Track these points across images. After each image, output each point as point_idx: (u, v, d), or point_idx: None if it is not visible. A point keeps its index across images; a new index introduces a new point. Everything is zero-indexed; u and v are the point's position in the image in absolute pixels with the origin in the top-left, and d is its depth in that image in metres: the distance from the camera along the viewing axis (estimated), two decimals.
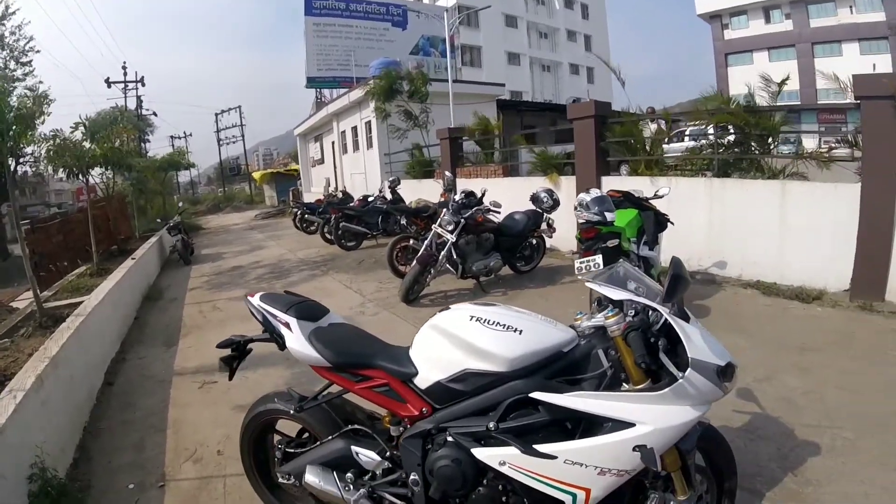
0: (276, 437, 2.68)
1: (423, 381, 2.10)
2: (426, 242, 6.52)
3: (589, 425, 1.90)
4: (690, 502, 1.99)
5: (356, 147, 19.76)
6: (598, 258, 4.45)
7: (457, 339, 2.05)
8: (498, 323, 2.02)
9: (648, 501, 2.02)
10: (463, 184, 9.89)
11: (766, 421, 3.29)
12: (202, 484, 3.22)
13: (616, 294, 1.96)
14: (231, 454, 3.37)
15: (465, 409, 2.04)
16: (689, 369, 1.78)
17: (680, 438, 1.87)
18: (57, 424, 3.57)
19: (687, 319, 1.91)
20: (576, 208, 4.86)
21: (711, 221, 6.79)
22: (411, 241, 7.23)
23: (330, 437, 2.35)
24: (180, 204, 20.15)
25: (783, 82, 7.13)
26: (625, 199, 5.42)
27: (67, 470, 3.43)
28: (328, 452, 2.33)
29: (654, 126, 8.51)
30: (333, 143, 22.43)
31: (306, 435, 2.55)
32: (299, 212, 14.73)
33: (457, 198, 6.67)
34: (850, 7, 35.82)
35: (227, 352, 2.43)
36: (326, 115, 22.31)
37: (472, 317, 2.06)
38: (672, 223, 5.63)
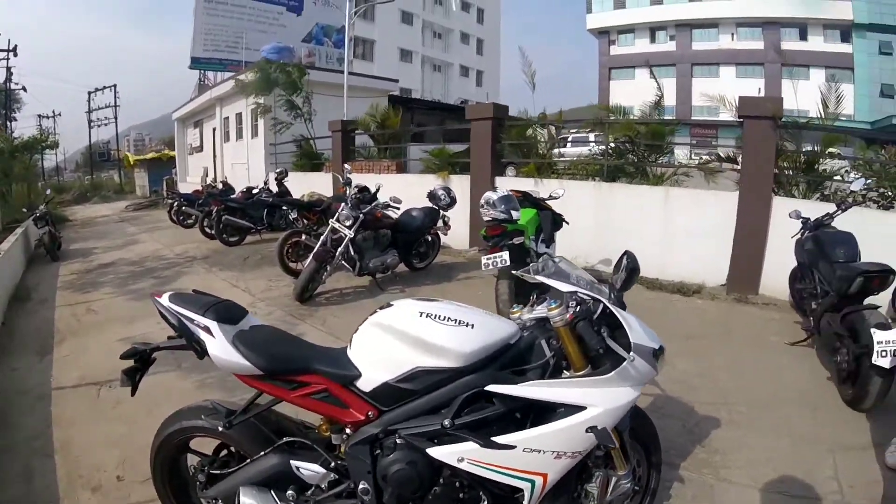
0: (191, 457, 2.36)
1: (367, 383, 1.99)
2: (322, 238, 6.23)
3: (539, 412, 1.95)
4: (628, 476, 2.14)
5: (239, 135, 18.65)
6: (505, 255, 4.63)
7: (407, 337, 1.96)
8: (449, 318, 1.98)
9: (593, 479, 2.13)
10: (355, 179, 9.66)
11: (669, 401, 3.61)
12: None
13: (565, 287, 2.05)
14: (133, 479, 2.99)
15: (415, 408, 1.97)
16: (631, 353, 1.92)
17: None
18: None
19: (624, 308, 2.06)
20: (482, 206, 4.96)
21: (599, 222, 7.19)
22: (303, 237, 6.90)
23: (263, 454, 2.11)
24: (48, 192, 17.97)
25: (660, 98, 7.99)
26: (524, 199, 5.58)
27: None
28: (263, 469, 2.09)
29: (544, 131, 8.92)
30: (215, 129, 21.03)
31: (224, 452, 2.28)
32: (175, 203, 13.66)
33: (348, 192, 6.47)
34: (732, 34, 40.42)
35: (128, 363, 2.10)
36: (209, 100, 20.79)
37: (422, 313, 2.00)
38: (567, 223, 5.95)
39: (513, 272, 4.05)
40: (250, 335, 2.08)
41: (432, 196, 7.14)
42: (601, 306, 2.03)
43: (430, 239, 7.41)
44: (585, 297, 2.05)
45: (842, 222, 4.80)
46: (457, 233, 7.89)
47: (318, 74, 18.65)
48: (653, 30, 43.36)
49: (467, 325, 1.97)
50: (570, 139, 9.94)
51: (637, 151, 7.55)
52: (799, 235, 4.97)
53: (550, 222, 5.70)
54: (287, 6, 27.68)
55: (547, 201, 5.86)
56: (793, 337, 4.82)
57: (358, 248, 6.26)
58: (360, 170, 11.14)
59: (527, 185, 7.18)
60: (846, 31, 36.68)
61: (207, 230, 10.88)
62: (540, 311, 2.05)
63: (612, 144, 7.78)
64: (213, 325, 2.04)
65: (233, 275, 7.87)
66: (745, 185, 6.16)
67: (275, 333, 2.23)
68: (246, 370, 2.00)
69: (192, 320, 2.06)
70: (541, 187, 6.86)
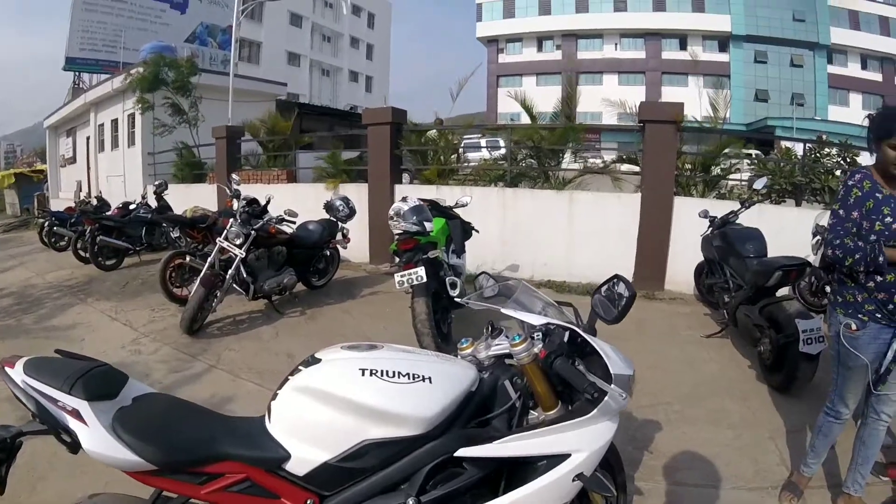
0: None
1: (299, 465, 1.55)
2: (209, 260, 5.46)
3: (514, 467, 1.68)
4: None
5: (115, 144, 17.00)
6: (421, 270, 4.21)
7: (349, 405, 1.55)
8: (399, 373, 1.60)
9: None
10: (243, 190, 8.97)
11: None
12: None
13: (536, 320, 1.82)
14: None
15: (367, 490, 1.57)
16: (612, 385, 1.67)
17: None
18: None
19: (594, 334, 1.83)
20: (392, 218, 4.54)
21: (504, 227, 7.11)
22: (188, 258, 6.02)
23: None
24: None
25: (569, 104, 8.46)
26: (432, 208, 5.18)
27: None
28: None
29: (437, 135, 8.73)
30: (89, 138, 19.04)
31: None
32: (46, 223, 12.17)
33: (235, 206, 5.74)
34: (616, 44, 42.74)
35: None
36: (83, 105, 18.79)
37: (364, 370, 1.59)
38: (477, 231, 5.67)
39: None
40: (135, 414, 1.56)
41: (329, 207, 6.66)
42: (567, 334, 1.81)
43: (328, 254, 6.91)
44: (553, 326, 1.83)
45: (742, 219, 5.03)
46: (356, 245, 7.44)
47: (201, 76, 17.51)
48: (540, 39, 44.80)
49: (423, 379, 1.61)
50: (463, 145, 9.80)
51: (540, 156, 7.54)
52: (708, 233, 5.13)
53: (461, 231, 5.38)
54: (171, 3, 25.81)
55: (454, 209, 5.54)
56: (704, 329, 5.00)
57: (250, 269, 5.62)
58: (247, 179, 10.33)
59: (428, 192, 6.96)
60: (724, 41, 39.80)
61: (81, 253, 9.64)
62: (499, 346, 1.82)
63: (521, 149, 7.76)
64: (83, 406, 1.48)
65: (111, 305, 6.88)
66: (648, 187, 6.30)
67: (167, 405, 1.71)
68: (135, 466, 1.47)
69: (55, 401, 1.49)
70: (444, 194, 6.62)
